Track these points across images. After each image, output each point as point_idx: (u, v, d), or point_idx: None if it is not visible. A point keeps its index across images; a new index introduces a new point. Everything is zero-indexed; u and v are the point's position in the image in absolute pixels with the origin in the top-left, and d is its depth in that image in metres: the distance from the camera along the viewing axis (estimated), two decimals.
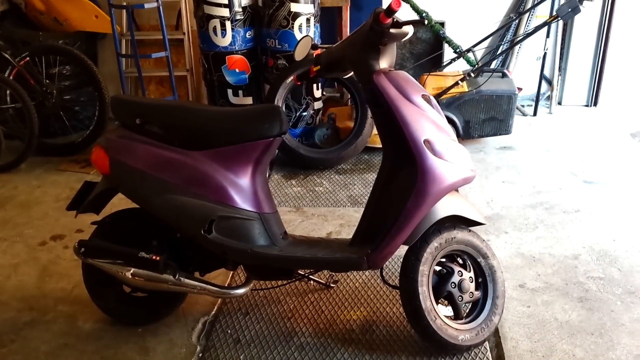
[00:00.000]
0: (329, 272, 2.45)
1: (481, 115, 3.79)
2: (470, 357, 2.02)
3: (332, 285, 2.42)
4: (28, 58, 3.83)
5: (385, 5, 1.75)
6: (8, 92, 3.79)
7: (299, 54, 2.04)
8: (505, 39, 4.50)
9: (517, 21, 4.45)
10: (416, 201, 1.81)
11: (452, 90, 3.63)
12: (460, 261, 2.06)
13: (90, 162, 2.14)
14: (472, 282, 2.01)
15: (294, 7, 3.50)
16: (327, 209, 3.14)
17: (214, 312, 2.29)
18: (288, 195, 3.31)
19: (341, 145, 3.63)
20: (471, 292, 2.00)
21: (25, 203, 3.30)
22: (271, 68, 3.71)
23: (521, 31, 4.41)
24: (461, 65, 4.08)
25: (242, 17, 3.60)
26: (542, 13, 4.42)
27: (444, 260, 2.02)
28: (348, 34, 3.90)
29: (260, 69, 3.85)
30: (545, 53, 4.44)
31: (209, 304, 2.33)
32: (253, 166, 1.99)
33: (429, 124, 1.85)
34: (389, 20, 1.77)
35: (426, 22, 4.07)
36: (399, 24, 1.82)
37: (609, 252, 2.64)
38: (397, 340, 2.10)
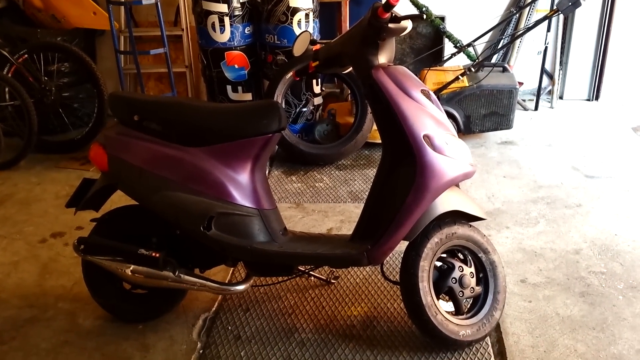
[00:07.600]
0: (329, 268, 2.45)
1: (482, 110, 3.77)
2: (472, 352, 2.01)
3: (332, 281, 2.42)
4: (26, 55, 3.81)
5: (383, 0, 1.74)
6: (7, 89, 3.78)
7: (298, 49, 2.03)
8: (506, 33, 4.48)
9: (517, 15, 4.42)
10: (416, 196, 1.80)
11: (452, 85, 3.61)
12: (461, 256, 2.05)
13: (89, 159, 2.13)
14: (473, 277, 2.00)
15: (293, 2, 3.48)
16: (328, 205, 3.13)
17: (214, 309, 2.28)
18: (288, 191, 3.30)
19: (341, 141, 3.62)
20: (472, 288, 1.99)
21: (24, 200, 3.30)
22: (270, 64, 3.70)
23: (522, 25, 4.39)
24: (462, 60, 4.06)
25: (241, 13, 3.58)
26: (542, 7, 4.40)
27: (444, 255, 2.01)
28: (347, 29, 3.89)
29: (260, 65, 3.83)
30: (546, 47, 4.42)
31: (209, 300, 2.32)
32: (252, 162, 1.98)
33: (428, 119, 1.84)
34: (388, 15, 1.76)
35: (425, 16, 4.05)
36: (397, 19, 1.81)
37: (610, 247, 2.63)
38: (398, 336, 2.09)
